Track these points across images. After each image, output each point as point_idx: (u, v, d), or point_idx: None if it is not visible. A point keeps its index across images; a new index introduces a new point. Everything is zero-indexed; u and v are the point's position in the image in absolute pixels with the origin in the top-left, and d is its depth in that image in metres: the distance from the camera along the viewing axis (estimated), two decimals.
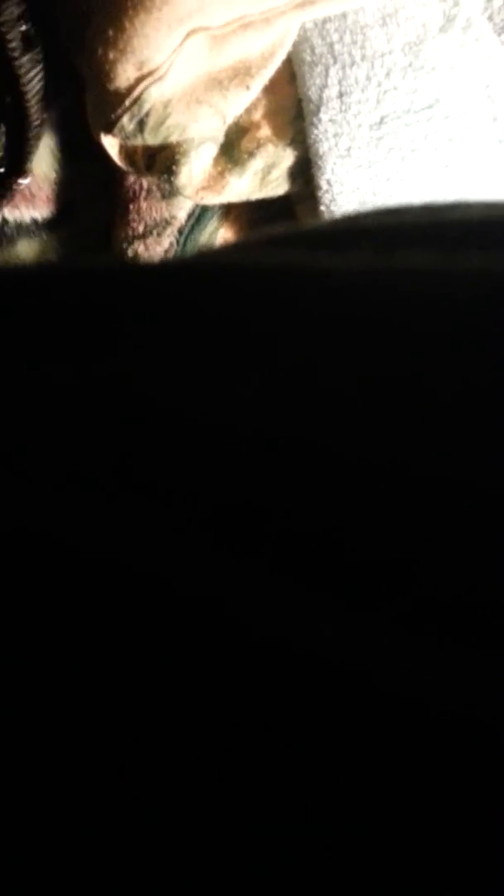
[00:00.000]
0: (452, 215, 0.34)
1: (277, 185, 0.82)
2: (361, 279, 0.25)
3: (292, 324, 0.24)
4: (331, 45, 0.79)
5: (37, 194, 0.84)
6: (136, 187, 0.83)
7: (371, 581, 0.18)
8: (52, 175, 0.84)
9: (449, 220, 0.33)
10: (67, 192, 0.84)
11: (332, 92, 0.79)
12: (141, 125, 0.76)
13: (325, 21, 0.79)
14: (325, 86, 0.79)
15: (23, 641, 0.18)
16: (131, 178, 0.83)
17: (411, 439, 0.20)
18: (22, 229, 0.84)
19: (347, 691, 0.17)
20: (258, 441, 0.21)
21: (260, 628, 0.18)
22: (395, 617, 0.18)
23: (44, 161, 0.83)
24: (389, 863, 0.16)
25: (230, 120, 0.77)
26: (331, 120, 0.79)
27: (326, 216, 0.81)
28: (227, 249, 0.58)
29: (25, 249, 0.85)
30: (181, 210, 0.83)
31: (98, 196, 0.84)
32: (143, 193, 0.83)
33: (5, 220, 0.84)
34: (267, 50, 0.77)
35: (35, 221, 0.84)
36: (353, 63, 0.79)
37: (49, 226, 0.84)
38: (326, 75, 0.79)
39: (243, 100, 0.77)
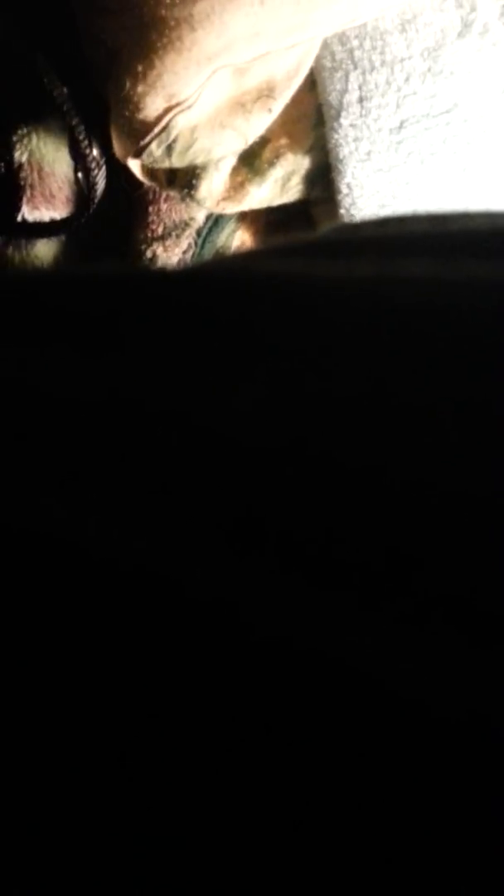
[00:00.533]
0: (456, 225, 0.35)
1: (297, 191, 0.83)
2: (365, 288, 0.25)
3: (296, 330, 0.24)
4: (351, 52, 0.79)
5: (56, 195, 0.84)
6: (156, 189, 0.84)
7: (374, 581, 0.18)
8: (73, 176, 0.84)
9: (453, 229, 0.34)
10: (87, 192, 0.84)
11: (352, 97, 0.80)
12: (169, 150, 0.77)
13: (344, 29, 0.78)
14: (345, 91, 0.80)
15: (29, 640, 0.18)
16: None
17: (414, 444, 0.20)
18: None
19: (350, 691, 0.17)
20: (263, 443, 0.21)
21: (264, 628, 0.18)
22: (397, 617, 0.18)
23: (64, 162, 0.83)
24: (391, 862, 0.16)
25: (251, 140, 0.78)
26: (351, 125, 0.80)
27: (345, 219, 0.83)
28: (234, 258, 0.59)
29: (44, 250, 0.86)
30: (200, 212, 0.85)
31: (120, 196, 0.84)
32: (163, 196, 0.84)
33: (25, 221, 0.84)
34: (291, 69, 0.77)
35: (54, 222, 0.85)
36: (372, 68, 0.79)
37: (70, 225, 0.85)
38: (347, 80, 0.79)
39: (265, 122, 0.77)
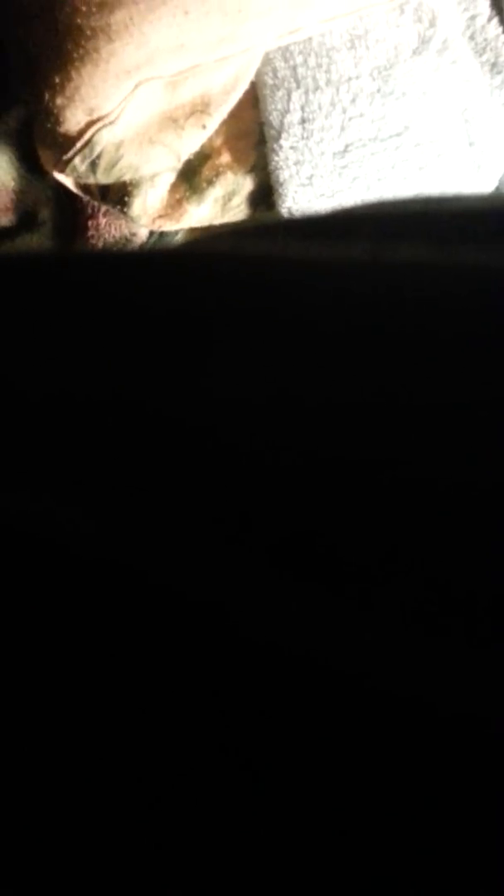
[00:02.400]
0: (450, 207, 0.34)
1: (239, 212, 0.79)
2: (356, 273, 0.24)
3: (286, 316, 0.23)
4: (294, 69, 0.74)
5: None
6: (95, 203, 0.81)
7: (369, 581, 0.18)
8: (11, 183, 0.81)
9: (447, 210, 0.32)
10: (27, 200, 0.82)
11: (293, 118, 0.75)
12: (93, 166, 0.73)
13: (288, 43, 0.74)
14: (286, 111, 0.75)
15: (24, 642, 0.18)
16: None
17: (410, 436, 0.20)
18: None
19: (347, 691, 0.17)
20: (253, 440, 0.21)
21: (259, 629, 0.18)
22: (393, 616, 0.18)
23: (2, 169, 0.81)
24: (390, 862, 0.16)
25: (185, 157, 0.74)
26: (292, 147, 0.76)
27: None
28: (216, 238, 0.57)
29: None
30: (142, 227, 0.81)
31: (60, 206, 0.82)
32: (102, 209, 0.81)
33: None
34: (228, 83, 0.73)
35: None
36: (317, 88, 0.75)
37: (8, 235, 0.82)
38: (289, 100, 0.75)
39: (198, 139, 0.74)
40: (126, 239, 0.81)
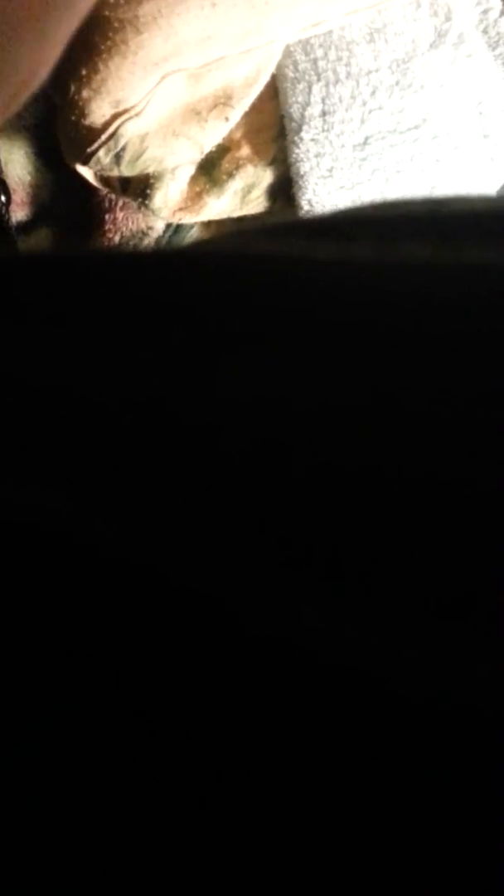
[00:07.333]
0: (456, 207, 0.33)
1: (258, 204, 0.80)
2: (362, 273, 0.24)
3: (289, 317, 0.23)
4: (314, 62, 0.75)
5: (11, 197, 0.82)
6: (112, 197, 0.81)
7: (372, 579, 0.18)
8: (28, 178, 0.81)
9: (452, 211, 0.32)
10: (44, 195, 0.82)
11: (314, 110, 0.76)
12: (118, 159, 0.74)
13: (309, 37, 0.75)
14: (307, 104, 0.76)
15: (20, 635, 0.18)
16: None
17: (413, 438, 0.20)
18: None
19: (349, 689, 0.17)
20: (259, 438, 0.21)
21: (262, 626, 0.18)
22: (395, 614, 0.18)
23: (18, 164, 0.81)
24: (389, 862, 0.16)
25: (207, 150, 0.75)
26: (313, 139, 0.77)
27: None
28: (222, 238, 0.57)
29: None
30: (158, 221, 0.82)
31: (76, 201, 0.82)
32: (120, 203, 0.81)
33: None
34: (250, 76, 0.73)
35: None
36: (337, 81, 0.76)
37: (25, 229, 0.82)
38: (309, 93, 0.76)
39: (221, 131, 0.74)
40: (143, 233, 0.81)
